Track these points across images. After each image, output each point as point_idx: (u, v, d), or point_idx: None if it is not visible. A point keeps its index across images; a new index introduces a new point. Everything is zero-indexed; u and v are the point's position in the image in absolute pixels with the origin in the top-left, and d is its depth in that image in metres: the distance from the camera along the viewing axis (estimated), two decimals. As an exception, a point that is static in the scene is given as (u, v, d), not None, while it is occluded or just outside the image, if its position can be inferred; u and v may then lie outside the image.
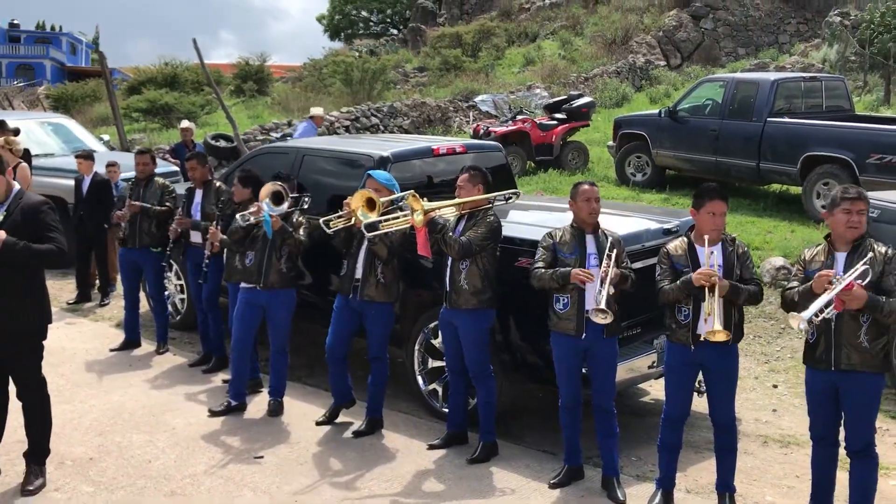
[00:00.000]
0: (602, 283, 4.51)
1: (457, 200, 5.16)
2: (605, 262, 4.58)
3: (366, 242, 5.41)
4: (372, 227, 5.25)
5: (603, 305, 4.42)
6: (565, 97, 15.27)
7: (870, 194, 6.71)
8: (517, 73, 23.29)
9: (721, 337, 4.14)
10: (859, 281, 3.89)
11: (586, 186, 4.75)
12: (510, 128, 13.83)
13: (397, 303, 5.63)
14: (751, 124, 10.88)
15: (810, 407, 4.26)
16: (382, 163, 6.22)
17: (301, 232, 5.83)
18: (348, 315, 5.59)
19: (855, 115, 11.52)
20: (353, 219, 5.34)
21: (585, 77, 21.67)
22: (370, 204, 5.27)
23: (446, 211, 5.15)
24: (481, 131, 13.83)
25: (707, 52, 24.09)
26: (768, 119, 10.73)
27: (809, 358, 4.16)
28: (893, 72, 18.58)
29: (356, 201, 5.26)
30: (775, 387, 6.54)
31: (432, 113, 18.31)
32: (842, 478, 4.32)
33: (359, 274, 5.49)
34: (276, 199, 5.70)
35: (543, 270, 4.68)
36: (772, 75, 12.28)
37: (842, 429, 4.22)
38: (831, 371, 4.05)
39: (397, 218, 5.30)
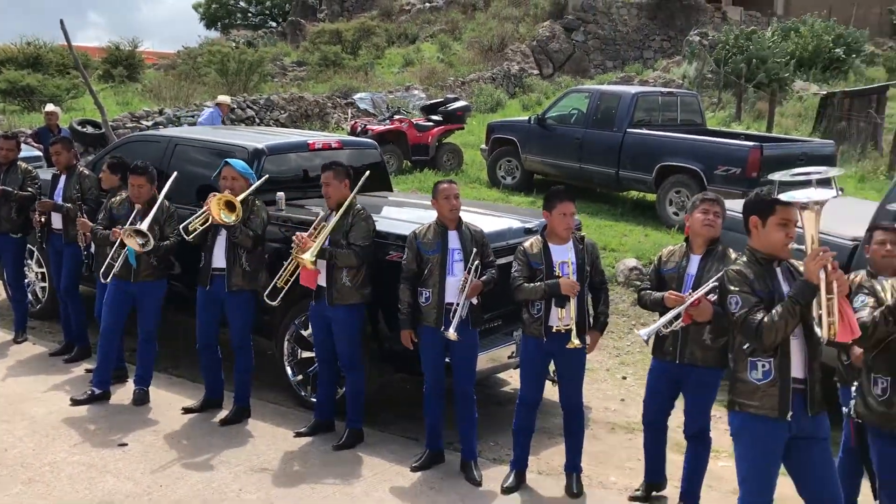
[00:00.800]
0: (461, 293, 4.81)
1: (330, 224, 5.23)
2: (464, 274, 4.85)
3: (223, 233, 5.49)
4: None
5: (456, 320, 4.74)
6: (442, 100, 15.63)
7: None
8: (396, 74, 23.54)
9: (576, 344, 4.54)
10: (710, 297, 4.16)
11: (445, 185, 5.00)
12: (387, 127, 14.06)
13: (264, 292, 5.72)
14: (612, 134, 11.53)
15: (648, 394, 4.69)
16: (257, 155, 6.29)
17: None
18: (210, 305, 5.65)
19: (706, 130, 12.40)
20: (211, 219, 5.42)
21: (462, 81, 22.17)
22: (229, 206, 5.38)
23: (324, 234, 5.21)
24: (359, 129, 13.97)
25: (577, 64, 25.12)
26: (628, 130, 11.42)
27: (658, 349, 4.55)
28: (745, 90, 20.01)
29: (215, 208, 5.34)
30: (624, 378, 7.03)
31: (310, 108, 18.27)
32: (678, 459, 4.78)
33: (218, 264, 5.56)
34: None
35: (411, 268, 4.94)
36: (632, 89, 13.03)
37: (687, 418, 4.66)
38: (676, 363, 4.45)
39: (285, 270, 5.36)
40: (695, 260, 4.43)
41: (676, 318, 4.27)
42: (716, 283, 4.08)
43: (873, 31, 27.80)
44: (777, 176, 3.26)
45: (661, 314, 4.39)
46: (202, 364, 5.81)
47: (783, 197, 3.16)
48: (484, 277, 4.92)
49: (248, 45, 25.46)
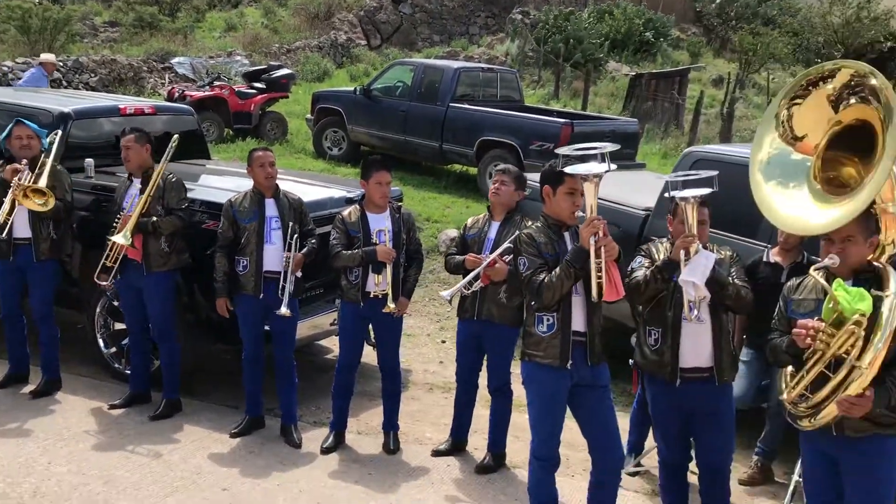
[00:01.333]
0: (285, 275, 4.89)
1: (141, 201, 5.10)
2: (285, 252, 4.92)
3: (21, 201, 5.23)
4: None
5: (286, 298, 4.83)
6: (266, 67, 15.33)
7: (528, 176, 7.75)
8: (218, 39, 22.74)
9: (392, 308, 4.75)
10: (505, 258, 4.54)
11: (260, 153, 5.02)
12: (207, 93, 13.64)
13: (71, 262, 5.51)
14: (435, 108, 11.82)
15: (458, 352, 4.98)
16: (63, 119, 6.00)
17: None
18: (10, 275, 5.40)
19: (524, 106, 12.96)
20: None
21: (288, 49, 21.78)
22: (36, 192, 5.13)
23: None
24: (176, 94, 13.46)
25: (405, 36, 25.31)
26: (450, 104, 11.74)
27: (459, 309, 4.85)
28: (562, 69, 20.98)
29: (29, 204, 5.10)
30: (443, 342, 7.34)
31: (123, 71, 17.35)
32: (485, 414, 5.10)
33: (21, 234, 5.29)
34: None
35: (227, 236, 4.94)
36: (455, 64, 13.38)
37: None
38: (475, 320, 4.75)
39: (111, 251, 5.15)
40: (495, 226, 4.75)
41: (476, 278, 4.59)
42: (510, 245, 4.42)
43: (679, 17, 29.87)
44: (563, 150, 3.57)
45: (464, 276, 4.67)
46: (7, 336, 5.53)
47: (567, 169, 3.48)
48: (304, 250, 5.00)
49: (53, 2, 23.69)
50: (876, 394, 2.98)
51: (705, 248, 3.69)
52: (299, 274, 4.99)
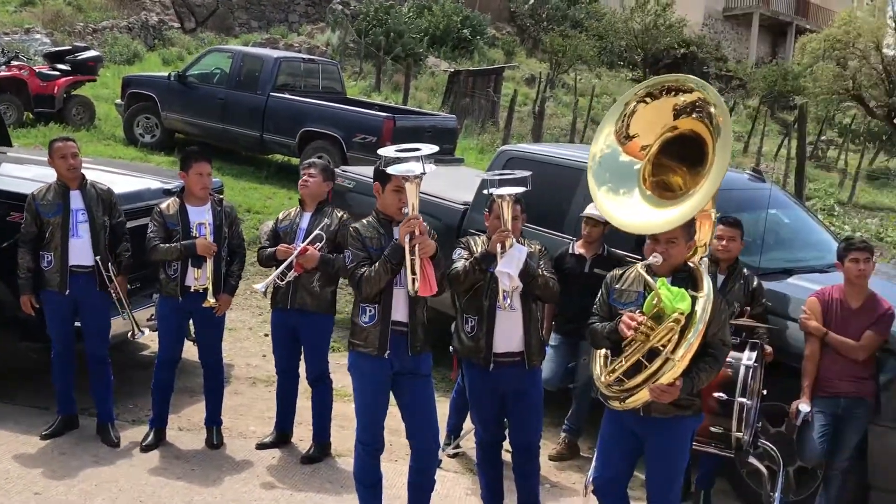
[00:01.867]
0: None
1: None
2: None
3: None
4: None
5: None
6: (70, 47, 14.41)
7: (350, 168, 7.87)
8: (13, 13, 21.02)
9: (212, 303, 4.75)
10: (316, 245, 4.68)
11: (60, 143, 4.81)
12: (4, 73, 12.65)
13: None
14: (255, 97, 11.64)
15: (274, 344, 5.04)
16: None
17: None
18: None
19: (346, 98, 13.02)
20: None
21: (94, 28, 20.53)
22: None
23: None
24: (-33, 74, 12.40)
25: (221, 21, 24.54)
26: (271, 94, 11.60)
27: (273, 300, 4.88)
28: (384, 62, 21.18)
29: None
30: (266, 335, 7.28)
31: None
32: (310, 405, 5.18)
33: None
34: None
35: (30, 230, 4.71)
36: (275, 53, 13.21)
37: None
38: (288, 310, 4.81)
39: None
40: (306, 216, 4.86)
41: (289, 268, 4.67)
42: (320, 233, 4.65)
43: (494, 16, 30.91)
44: (383, 151, 3.72)
45: (277, 267, 4.74)
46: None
47: (388, 169, 3.64)
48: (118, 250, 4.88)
49: None
50: (683, 382, 3.36)
51: (519, 242, 3.97)
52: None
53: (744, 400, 4.08)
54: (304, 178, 4.87)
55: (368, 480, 3.91)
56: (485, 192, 4.06)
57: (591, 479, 4.44)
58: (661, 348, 3.34)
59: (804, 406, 4.30)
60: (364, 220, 3.89)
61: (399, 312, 3.76)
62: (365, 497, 3.93)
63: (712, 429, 4.05)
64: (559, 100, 24.51)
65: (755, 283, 4.66)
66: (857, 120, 29.14)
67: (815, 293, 4.53)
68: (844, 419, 4.30)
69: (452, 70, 21.17)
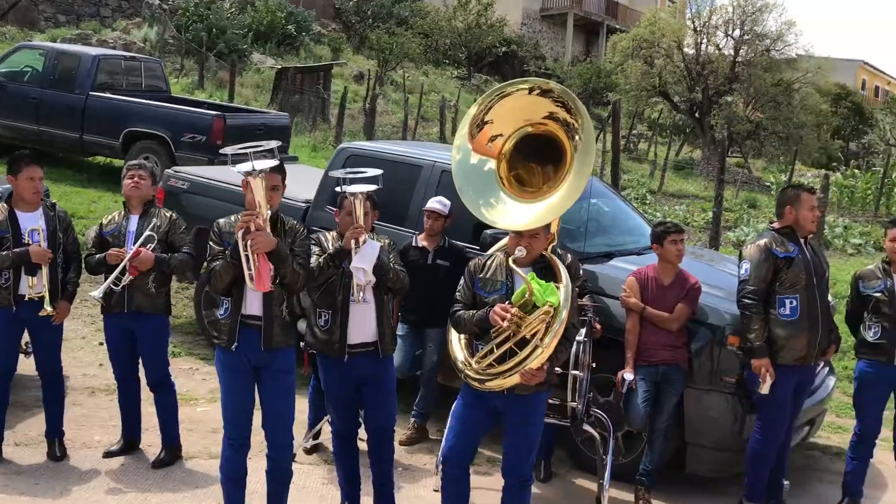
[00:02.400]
0: None
1: None
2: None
3: None
4: None
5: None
6: None
7: (183, 169, 7.71)
8: None
9: (49, 311, 4.61)
10: (148, 246, 4.68)
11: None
12: None
13: None
14: (73, 96, 11.09)
15: (111, 351, 4.96)
16: None
17: None
18: None
19: (172, 97, 12.64)
20: None
21: None
22: None
23: None
24: None
25: (25, 14, 22.94)
26: (91, 93, 11.09)
27: (107, 306, 4.78)
28: (206, 59, 20.63)
29: None
30: (101, 344, 7.02)
31: None
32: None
33: None
34: None
35: None
36: (93, 50, 12.61)
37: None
38: (125, 314, 4.76)
39: None
40: (134, 219, 4.83)
41: (123, 272, 4.64)
42: (151, 234, 4.68)
43: (319, 12, 30.80)
44: (227, 150, 3.78)
45: (107, 274, 4.69)
46: None
47: (233, 168, 3.71)
48: None
49: None
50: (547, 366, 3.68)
51: (370, 237, 4.14)
52: None
53: (577, 372, 4.47)
54: (135, 180, 4.81)
55: (233, 475, 3.96)
56: (338, 189, 4.20)
57: (441, 457, 4.72)
58: (530, 337, 3.64)
59: (628, 375, 4.76)
60: (232, 217, 3.92)
61: (253, 307, 3.82)
62: (229, 491, 3.97)
63: (550, 401, 4.41)
64: (389, 97, 24.83)
65: (569, 259, 5.06)
66: (664, 114, 31.50)
67: (633, 273, 5.01)
68: (663, 384, 4.79)
69: (280, 67, 20.95)
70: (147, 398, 5.13)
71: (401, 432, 5.43)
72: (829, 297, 5.71)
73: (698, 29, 28.13)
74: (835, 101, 35.59)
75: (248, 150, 3.66)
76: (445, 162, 6.10)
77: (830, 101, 34.13)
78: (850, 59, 49.49)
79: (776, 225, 4.79)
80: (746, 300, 4.59)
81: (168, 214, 4.90)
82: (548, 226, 3.90)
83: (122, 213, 4.85)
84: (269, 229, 3.71)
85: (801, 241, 4.70)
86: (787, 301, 4.56)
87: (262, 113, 13.04)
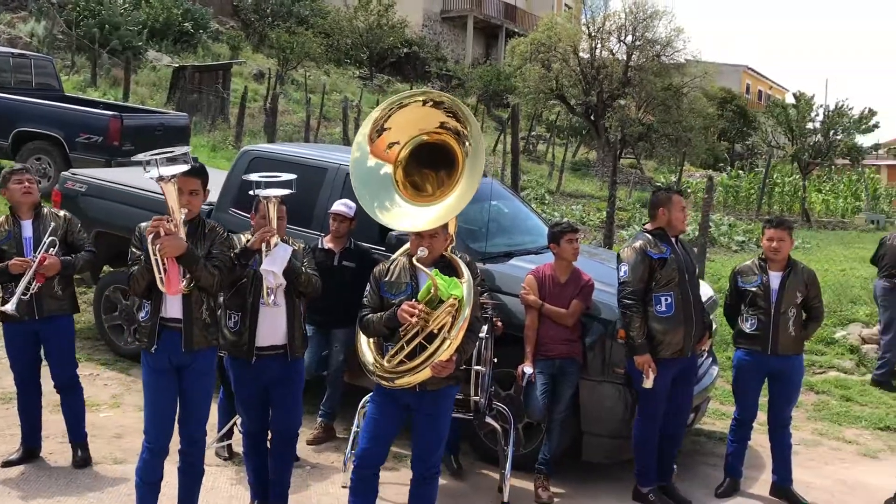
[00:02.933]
0: None
1: None
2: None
3: None
4: None
5: None
6: None
7: (81, 171, 7.54)
8: None
9: None
10: (51, 251, 4.68)
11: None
12: None
13: None
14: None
15: (11, 360, 4.89)
16: None
17: None
18: None
19: (65, 96, 12.24)
20: None
21: None
22: None
23: None
24: None
25: None
26: (-24, 91, 10.65)
27: (9, 316, 4.68)
28: (99, 55, 19.97)
29: None
30: (-5, 351, 6.85)
31: None
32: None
33: None
34: None
35: None
36: (-20, 46, 12.10)
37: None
38: (35, 320, 4.72)
39: None
40: (27, 224, 4.78)
41: (32, 279, 4.62)
42: (53, 238, 4.70)
43: (217, 9, 30.23)
44: (139, 157, 3.80)
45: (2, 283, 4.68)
46: None
47: (146, 175, 3.73)
48: None
49: None
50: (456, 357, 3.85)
51: (284, 241, 4.22)
52: None
53: (479, 368, 4.68)
54: (26, 185, 4.77)
55: (149, 479, 3.98)
56: (252, 192, 4.26)
57: (350, 454, 4.84)
58: (438, 331, 3.81)
59: (528, 369, 5.00)
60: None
61: (174, 309, 3.87)
62: (144, 496, 3.99)
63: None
64: (290, 96, 24.62)
65: (468, 259, 5.27)
66: (561, 117, 32.32)
67: (531, 271, 5.26)
68: (559, 377, 5.06)
69: (177, 65, 20.48)
70: (47, 405, 5.06)
71: (308, 432, 5.52)
72: (711, 291, 6.10)
73: (593, 34, 28.99)
74: (721, 105, 37.31)
75: (155, 157, 3.69)
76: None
77: (717, 104, 35.76)
78: (734, 65, 51.97)
79: (649, 226, 5.07)
80: (627, 300, 4.86)
81: (62, 214, 4.92)
82: (446, 227, 4.08)
83: (9, 218, 4.80)
84: (182, 233, 3.77)
85: (673, 240, 5.01)
86: (663, 298, 4.86)
87: (160, 113, 12.77)
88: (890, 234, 8.52)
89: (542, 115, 31.94)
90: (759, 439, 5.81)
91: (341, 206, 5.55)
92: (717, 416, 6.74)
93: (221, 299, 4.15)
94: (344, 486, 4.84)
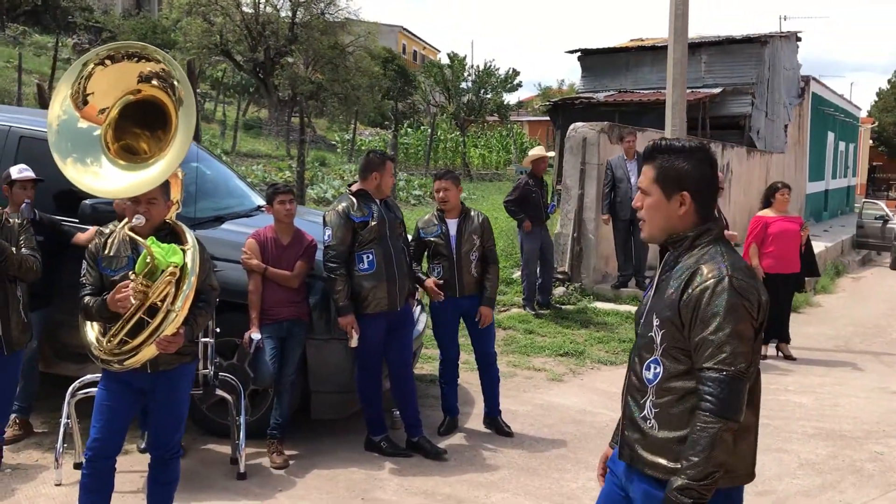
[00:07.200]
0: None
1: None
2: None
3: None
4: None
5: None
6: None
7: None
8: None
9: None
10: None
11: None
12: None
13: None
14: None
15: None
16: None
17: None
18: None
19: None
20: None
21: None
22: None
23: None
24: None
25: None
26: None
27: None
28: None
29: None
30: None
31: None
32: None
33: None
34: None
35: None
36: None
37: None
38: None
39: None
40: None
41: None
42: None
43: None
44: None
45: None
46: None
47: None
48: None
49: None
50: (184, 330, 3.54)
51: None
52: None
53: (207, 339, 4.46)
54: None
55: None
56: None
57: (62, 449, 4.40)
58: (161, 303, 3.48)
59: (255, 335, 4.86)
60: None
61: None
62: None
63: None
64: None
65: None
66: (228, 74, 31.30)
67: (252, 235, 5.09)
68: (287, 339, 4.99)
69: None
70: None
71: (10, 432, 4.90)
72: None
73: (255, -12, 28.34)
74: (384, 65, 38.69)
75: None
76: (23, 127, 5.49)
77: (380, 63, 37.01)
78: (391, 25, 54.00)
79: (354, 188, 5.13)
80: (331, 263, 4.92)
81: None
82: (167, 191, 3.78)
83: None
84: None
85: (378, 201, 5.11)
86: (365, 256, 4.98)
87: None
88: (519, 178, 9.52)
89: (206, 72, 30.67)
90: (468, 377, 6.25)
91: (26, 171, 4.92)
92: (428, 360, 7.13)
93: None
94: (58, 484, 4.40)
